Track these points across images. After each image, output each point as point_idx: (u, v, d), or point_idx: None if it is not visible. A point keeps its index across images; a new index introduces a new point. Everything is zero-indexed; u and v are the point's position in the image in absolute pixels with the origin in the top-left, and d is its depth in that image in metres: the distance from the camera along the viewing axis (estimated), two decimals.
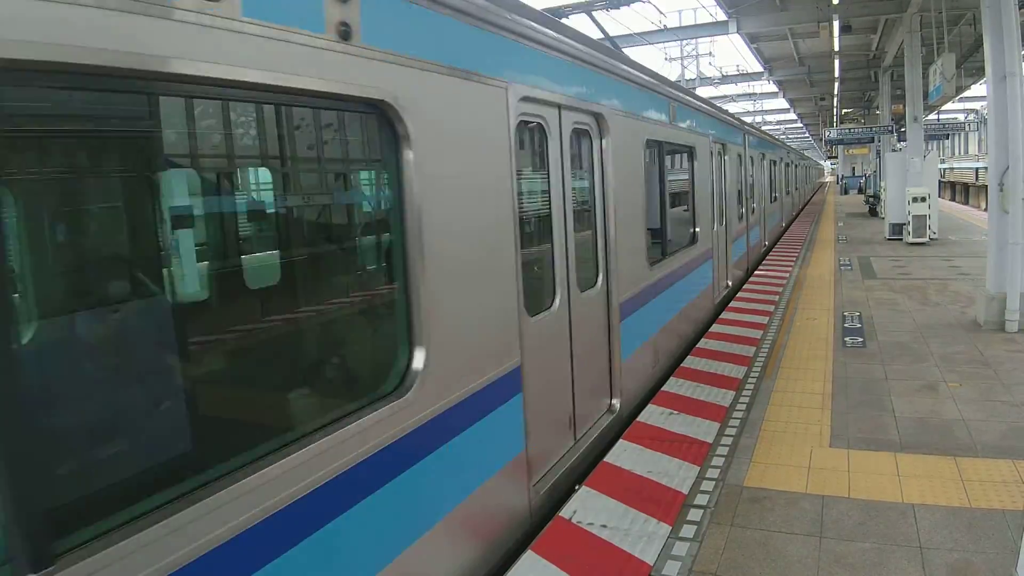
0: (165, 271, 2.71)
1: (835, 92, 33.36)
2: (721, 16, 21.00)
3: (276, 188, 3.36)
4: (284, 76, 2.27)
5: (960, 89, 19.37)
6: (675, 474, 4.47)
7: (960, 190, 39.04)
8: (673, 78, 25.88)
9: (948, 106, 35.82)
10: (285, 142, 3.07)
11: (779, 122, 58.29)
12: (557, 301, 4.41)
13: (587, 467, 4.70)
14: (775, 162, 19.57)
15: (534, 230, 4.44)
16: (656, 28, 23.09)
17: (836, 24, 18.70)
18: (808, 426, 5.25)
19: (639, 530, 3.78)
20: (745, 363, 6.97)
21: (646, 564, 3.47)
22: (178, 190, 2.73)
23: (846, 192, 47.14)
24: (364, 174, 3.80)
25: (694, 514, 3.97)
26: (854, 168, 54.17)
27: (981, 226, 17.84)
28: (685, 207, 8.45)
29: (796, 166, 29.77)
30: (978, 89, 27.48)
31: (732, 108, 33.08)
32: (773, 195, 18.96)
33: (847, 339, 7.83)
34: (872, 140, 29.07)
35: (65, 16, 1.66)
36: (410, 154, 2.84)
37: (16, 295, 2.03)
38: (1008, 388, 5.92)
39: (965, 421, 5.19)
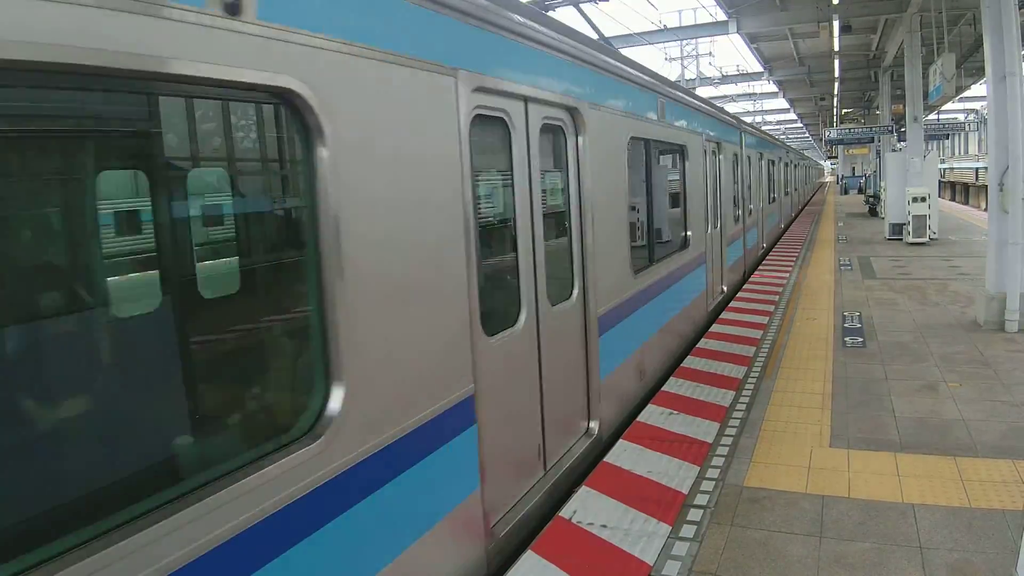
0: None
1: (835, 92, 33.36)
2: (721, 16, 21.00)
3: (157, 195, 2.60)
4: (150, 60, 1.84)
5: (960, 89, 19.38)
6: (675, 474, 4.47)
7: (960, 190, 39.04)
8: (673, 78, 25.89)
9: (948, 106, 35.83)
10: (153, 139, 2.42)
11: (779, 122, 58.29)
12: (523, 317, 3.95)
13: (561, 498, 4.30)
14: (773, 162, 19.21)
15: (496, 239, 4.05)
16: (656, 28, 23.12)
17: (836, 24, 18.69)
18: (808, 426, 5.25)
19: (639, 530, 3.78)
20: (745, 363, 6.97)
21: (646, 564, 3.47)
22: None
23: (846, 192, 47.14)
24: (266, 176, 3.19)
25: (694, 514, 3.97)
26: (854, 168, 54.17)
27: (981, 226, 17.84)
28: (676, 209, 8.04)
29: (795, 166, 29.52)
30: (978, 89, 27.48)
31: (732, 108, 33.06)
32: (772, 196, 18.54)
33: (847, 339, 7.83)
34: (872, 140, 29.07)
35: None
36: (325, 153, 2.37)
37: None
38: (1008, 388, 5.92)
39: (965, 421, 5.19)
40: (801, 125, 59.54)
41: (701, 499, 4.15)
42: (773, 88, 36.70)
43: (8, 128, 1.99)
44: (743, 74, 33.67)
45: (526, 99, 3.99)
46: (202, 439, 2.45)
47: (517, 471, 3.96)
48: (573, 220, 4.70)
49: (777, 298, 10.28)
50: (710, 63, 38.03)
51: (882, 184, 23.88)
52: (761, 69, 29.45)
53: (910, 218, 16.34)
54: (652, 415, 5.53)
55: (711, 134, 9.54)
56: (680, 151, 7.98)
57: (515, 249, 3.97)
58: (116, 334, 2.48)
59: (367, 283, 2.59)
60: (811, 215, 27.90)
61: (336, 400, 2.46)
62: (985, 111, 10.42)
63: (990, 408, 5.45)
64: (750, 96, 41.11)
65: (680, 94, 7.97)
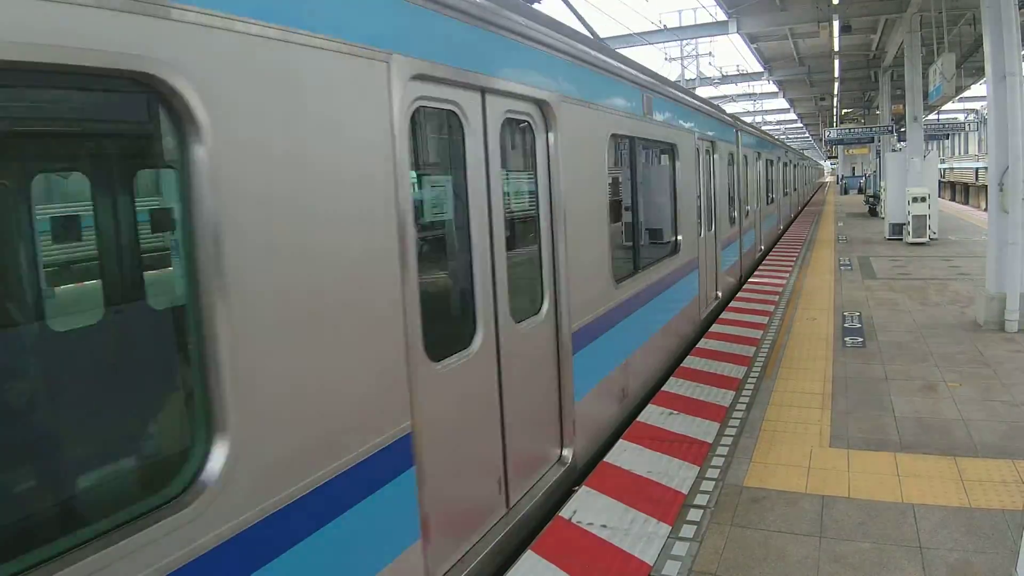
0: None
1: (835, 92, 33.38)
2: (721, 16, 21.03)
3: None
4: None
5: (960, 89, 19.39)
6: (675, 474, 4.47)
7: (960, 190, 39.04)
8: (673, 78, 25.89)
9: (948, 106, 35.83)
10: None
11: (779, 122, 58.31)
12: (479, 338, 3.48)
13: (528, 535, 3.89)
14: (772, 161, 18.81)
15: (446, 249, 3.62)
16: (656, 28, 23.13)
17: (836, 24, 18.70)
18: (808, 426, 5.25)
19: (639, 530, 3.78)
20: (745, 363, 6.97)
21: (646, 564, 3.47)
22: None
23: (846, 192, 47.16)
24: (128, 178, 2.74)
25: (694, 514, 3.97)
26: (854, 168, 54.19)
27: (981, 226, 17.84)
28: (665, 212, 7.53)
29: (795, 166, 29.26)
30: (978, 89, 27.49)
31: (732, 108, 33.05)
32: (770, 196, 18.06)
33: (847, 339, 7.83)
34: (872, 140, 29.10)
35: None
36: (202, 152, 1.96)
37: None
38: (1008, 388, 5.92)
39: (965, 421, 5.18)
40: (801, 125, 59.56)
41: (701, 499, 4.15)
42: (773, 88, 36.73)
43: None
44: (743, 74, 33.70)
45: (483, 90, 3.51)
46: (41, 506, 2.03)
47: (471, 513, 3.49)
48: (543, 226, 4.22)
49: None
50: (710, 63, 38.06)
51: (882, 184, 23.88)
52: (761, 69, 29.48)
53: (910, 218, 16.34)
54: (652, 415, 5.53)
55: (704, 133, 9.08)
56: (670, 150, 7.52)
57: (470, 260, 3.46)
58: None
59: (260, 307, 2.12)
60: (811, 215, 27.90)
61: (217, 454, 1.98)
62: (985, 111, 10.39)
63: (990, 408, 5.44)
64: (750, 96, 41.13)
65: (669, 89, 7.50)
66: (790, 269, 13.29)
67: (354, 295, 2.55)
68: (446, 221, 3.62)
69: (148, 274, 2.80)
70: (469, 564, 3.31)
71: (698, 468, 4.55)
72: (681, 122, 7.76)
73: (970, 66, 18.22)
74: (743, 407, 5.73)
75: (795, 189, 28.86)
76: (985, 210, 12.96)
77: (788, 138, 59.77)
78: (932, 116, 31.51)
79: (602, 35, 20.11)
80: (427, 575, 2.98)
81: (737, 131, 12.15)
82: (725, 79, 34.16)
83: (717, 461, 4.68)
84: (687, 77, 31.04)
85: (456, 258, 3.62)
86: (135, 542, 1.75)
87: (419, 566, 2.92)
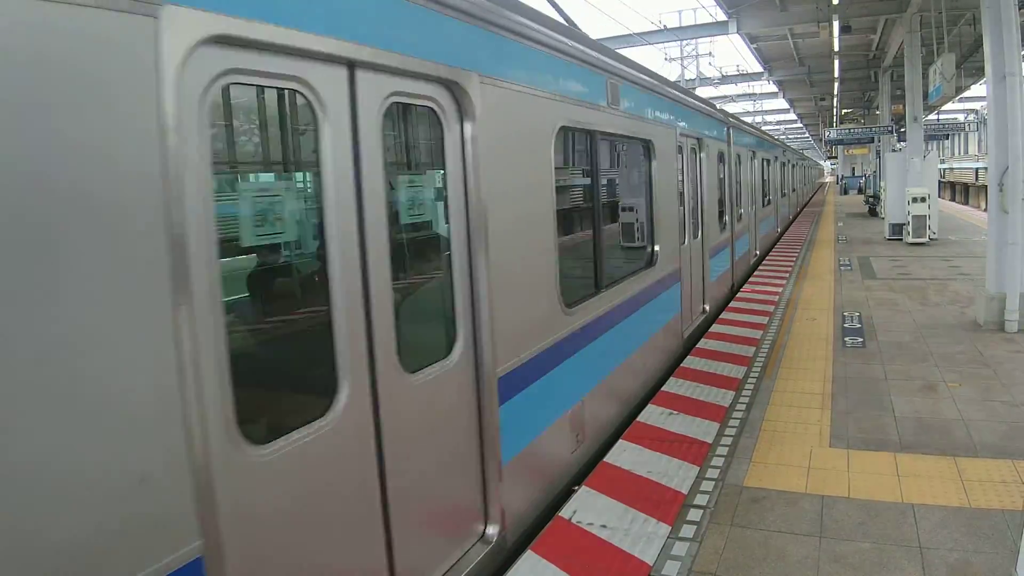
0: None
1: (835, 92, 33.37)
2: (721, 16, 21.04)
3: None
4: None
5: (960, 89, 19.37)
6: (675, 474, 4.47)
7: (960, 190, 39.07)
8: (673, 78, 25.89)
9: (948, 106, 35.85)
10: None
11: (779, 122, 58.33)
12: (342, 399, 2.59)
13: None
14: (768, 161, 17.90)
15: (280, 282, 2.89)
16: (656, 28, 23.14)
17: (836, 24, 18.70)
18: (808, 426, 5.25)
19: (639, 530, 3.78)
20: (745, 363, 6.97)
21: (646, 564, 3.47)
22: None
23: (846, 192, 47.20)
24: None
25: (694, 514, 3.97)
26: (854, 168, 54.24)
27: (981, 226, 17.85)
28: (638, 219, 6.73)
29: (794, 166, 28.82)
30: (978, 89, 27.47)
31: (732, 108, 33.06)
32: (766, 198, 17.14)
33: (847, 339, 7.83)
34: (872, 140, 29.08)
35: None
36: None
37: None
38: (1008, 388, 5.92)
39: (965, 421, 5.18)
40: (801, 125, 59.58)
41: (701, 499, 4.15)
42: (773, 88, 36.73)
43: None
44: (743, 74, 33.70)
45: (351, 64, 2.63)
46: None
47: None
48: (456, 243, 3.30)
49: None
50: (710, 63, 38.05)
51: (882, 184, 23.89)
52: (761, 69, 29.49)
53: (910, 218, 16.34)
54: (652, 415, 5.53)
55: (689, 128, 8.14)
56: (644, 148, 6.55)
57: (327, 293, 2.58)
58: None
59: None
60: (810, 216, 27.88)
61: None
62: (985, 111, 10.38)
63: (990, 408, 5.44)
64: (750, 96, 41.15)
65: (642, 77, 6.43)
66: (787, 276, 12.62)
67: (90, 363, 1.73)
68: (284, 242, 2.67)
69: None
70: None
71: (698, 468, 4.55)
72: (658, 115, 6.86)
73: (970, 66, 18.21)
74: (743, 407, 5.73)
75: (794, 190, 28.37)
76: (985, 210, 12.96)
77: (788, 138, 59.78)
78: (932, 116, 31.52)
79: (602, 35, 20.22)
80: None
81: (728, 128, 11.33)
82: (725, 79, 34.17)
83: (717, 461, 4.67)
84: (687, 77, 31.04)
85: (301, 294, 2.90)
86: None
87: None
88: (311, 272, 2.85)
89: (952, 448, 4.70)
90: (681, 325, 7.66)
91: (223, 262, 2.14)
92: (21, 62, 1.60)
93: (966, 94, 30.20)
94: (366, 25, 2.69)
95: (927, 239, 16.20)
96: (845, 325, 8.53)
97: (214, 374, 2.06)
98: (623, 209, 6.71)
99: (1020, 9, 8.69)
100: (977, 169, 45.57)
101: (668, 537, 3.72)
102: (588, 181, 5.24)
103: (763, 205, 16.39)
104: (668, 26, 23.61)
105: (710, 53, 35.32)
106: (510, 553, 3.74)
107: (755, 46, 25.17)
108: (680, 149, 7.69)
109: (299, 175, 2.94)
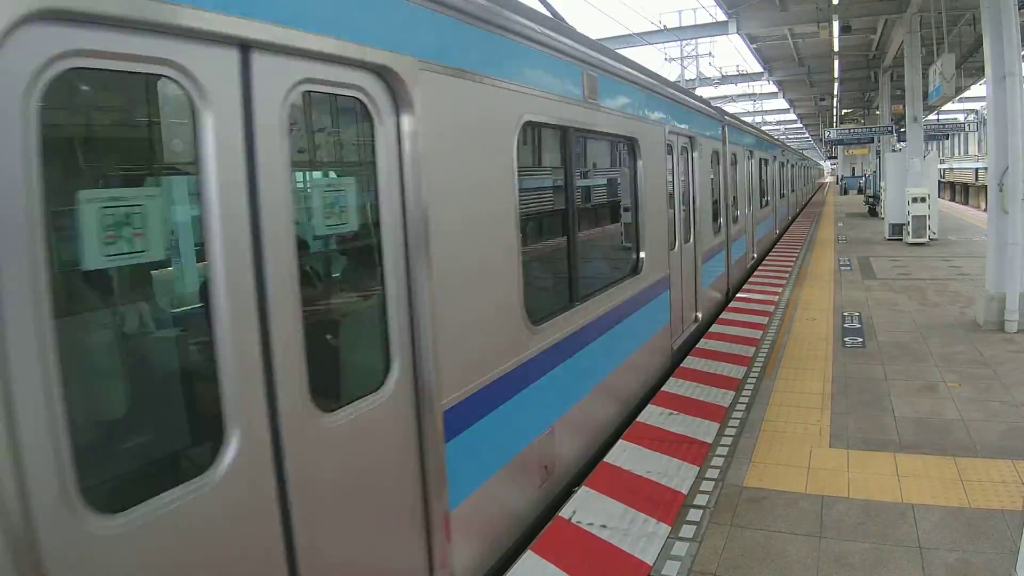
0: None
1: (835, 92, 33.39)
2: (721, 16, 21.04)
3: None
4: None
5: (960, 89, 19.39)
6: (675, 474, 4.47)
7: (960, 190, 39.09)
8: (673, 78, 25.90)
9: (948, 106, 35.85)
10: None
11: (779, 122, 58.34)
12: (230, 451, 2.12)
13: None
14: (767, 161, 17.39)
15: (143, 306, 2.35)
16: (656, 28, 23.15)
17: (836, 24, 18.72)
18: (808, 426, 5.25)
19: (639, 530, 3.78)
20: (745, 363, 6.97)
21: (646, 564, 3.47)
22: None
23: (845, 192, 47.27)
24: None
25: (694, 514, 3.97)
26: (854, 168, 54.27)
27: (981, 226, 17.83)
28: (621, 223, 6.30)
29: (793, 165, 28.55)
30: (978, 89, 27.49)
31: (732, 108, 33.08)
32: (764, 199, 16.59)
33: (847, 339, 7.83)
34: (872, 140, 29.11)
35: None
36: None
37: None
38: (1008, 388, 5.92)
39: (965, 421, 5.19)
40: (801, 125, 59.59)
41: (701, 499, 4.15)
42: (773, 88, 36.74)
43: None
44: (743, 74, 33.71)
45: (245, 45, 2.18)
46: None
47: None
48: (390, 253, 2.83)
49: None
50: (710, 63, 38.06)
51: (882, 184, 23.89)
52: (761, 69, 29.48)
53: (910, 218, 16.35)
54: (652, 415, 5.53)
55: (680, 126, 7.68)
56: (629, 146, 6.08)
57: (207, 323, 2.12)
58: None
59: None
60: (810, 217, 27.86)
61: None
62: (985, 111, 10.37)
63: (990, 408, 5.44)
64: (750, 96, 41.16)
65: (625, 69, 5.89)
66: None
67: None
68: (153, 261, 2.12)
69: None
70: None
71: (698, 468, 4.55)
72: (645, 111, 6.40)
73: (970, 66, 18.23)
74: (743, 407, 5.73)
75: (793, 191, 28.05)
76: (985, 210, 12.96)
77: (788, 138, 59.77)
78: (932, 116, 31.52)
79: (601, 35, 20.22)
80: None
81: (724, 126, 10.82)
82: (725, 79, 34.17)
83: (717, 461, 4.68)
84: (687, 77, 31.05)
85: (179, 324, 2.48)
86: None
87: None
88: (189, 296, 2.41)
89: (952, 448, 4.70)
90: (670, 336, 7.18)
91: (60, 288, 1.76)
92: None
93: (966, 94, 30.22)
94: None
95: (927, 239, 16.20)
96: (845, 325, 8.53)
97: (56, 440, 1.64)
98: (603, 212, 6.27)
99: (1020, 9, 8.69)
100: (977, 169, 45.58)
101: (668, 537, 3.72)
102: (562, 183, 4.71)
103: (761, 206, 15.97)
104: (668, 26, 23.62)
105: (710, 53, 35.34)
106: (510, 553, 3.71)
107: (755, 46, 25.17)
108: (670, 148, 7.28)
109: (173, 180, 2.36)
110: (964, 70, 17.48)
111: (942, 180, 37.14)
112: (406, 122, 2.86)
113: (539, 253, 4.71)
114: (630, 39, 22.39)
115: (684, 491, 4.23)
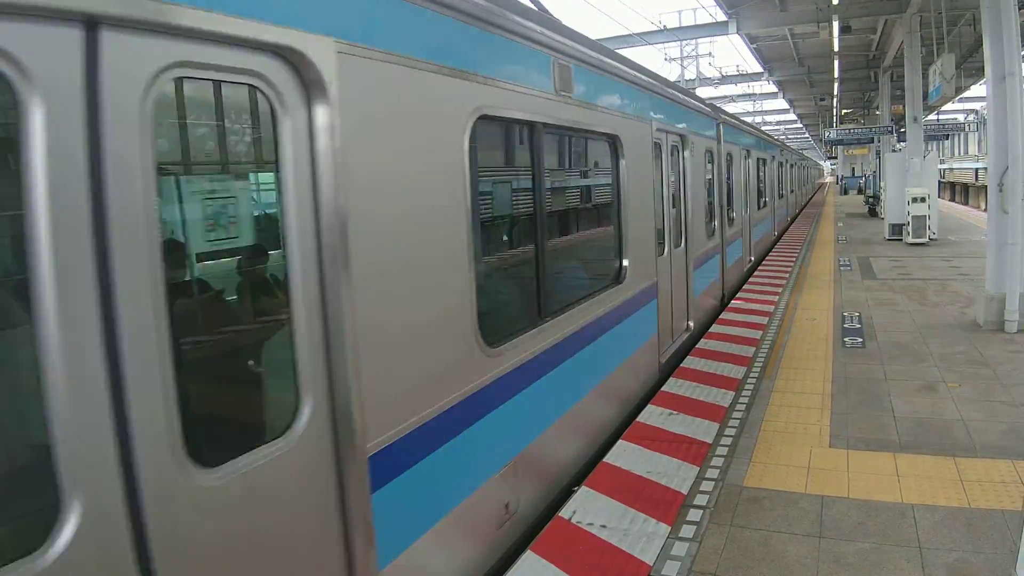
0: None
1: (835, 92, 33.40)
2: (721, 16, 21.06)
3: None
4: None
5: (960, 89, 19.41)
6: (674, 474, 4.47)
7: (960, 190, 39.14)
8: (673, 78, 25.89)
9: (948, 106, 35.88)
10: None
11: (779, 122, 58.37)
12: (68, 527, 1.67)
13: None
14: (765, 160, 16.92)
15: None
16: (656, 28, 23.15)
17: (836, 24, 18.73)
18: (807, 426, 5.25)
19: (638, 530, 3.78)
20: (745, 363, 6.97)
21: (645, 564, 3.47)
22: None
23: (845, 192, 47.33)
24: None
25: (693, 514, 3.97)
26: (854, 168, 54.32)
27: (981, 226, 17.84)
28: (601, 228, 5.85)
29: (792, 165, 28.28)
30: (978, 89, 27.51)
31: (732, 108, 33.11)
32: (762, 200, 16.10)
33: (846, 339, 7.83)
34: (872, 140, 29.14)
35: None
36: None
37: None
38: (1007, 388, 5.92)
39: (964, 421, 5.19)
40: (801, 125, 59.61)
41: (701, 499, 4.15)
42: (773, 88, 36.75)
43: None
44: (743, 74, 33.72)
45: (92, 20, 1.78)
46: None
47: None
48: (298, 270, 2.35)
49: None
50: (710, 63, 38.07)
51: (882, 184, 23.89)
52: (761, 69, 29.50)
53: (910, 218, 16.36)
54: (652, 415, 5.53)
55: (669, 123, 7.19)
56: (610, 144, 5.58)
57: (34, 365, 1.68)
58: None
59: None
60: (810, 217, 27.87)
61: None
62: (985, 111, 10.37)
63: (989, 408, 5.44)
64: (750, 96, 41.17)
65: (606, 60, 5.37)
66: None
67: None
68: None
69: None
70: None
71: (698, 468, 4.55)
72: (628, 107, 5.88)
73: (970, 66, 18.24)
74: (743, 407, 5.73)
75: (792, 191, 27.71)
76: (985, 210, 12.96)
77: (788, 138, 59.79)
78: (932, 116, 31.55)
79: (601, 35, 20.23)
80: None
81: (719, 124, 10.33)
82: (725, 79, 34.19)
83: (717, 461, 4.68)
84: (687, 77, 31.06)
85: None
86: None
87: None
88: (9, 322, 1.88)
89: (952, 448, 4.70)
90: (658, 348, 6.69)
91: None
92: None
93: (966, 94, 30.23)
94: None
95: (927, 239, 16.21)
96: (845, 325, 8.53)
97: None
98: (581, 217, 5.78)
99: (1020, 9, 8.69)
100: (977, 169, 45.60)
101: (668, 537, 3.72)
102: (530, 185, 4.26)
103: (759, 208, 15.44)
104: (668, 26, 23.62)
105: (710, 53, 35.35)
106: (510, 553, 3.68)
107: (755, 46, 25.18)
108: (658, 147, 6.79)
109: None
110: (964, 70, 17.49)
111: (942, 180, 37.22)
112: (321, 115, 2.39)
113: (500, 264, 4.29)
114: (630, 39, 22.39)
115: (684, 491, 4.23)
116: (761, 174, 16.23)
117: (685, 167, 7.92)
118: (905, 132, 19.30)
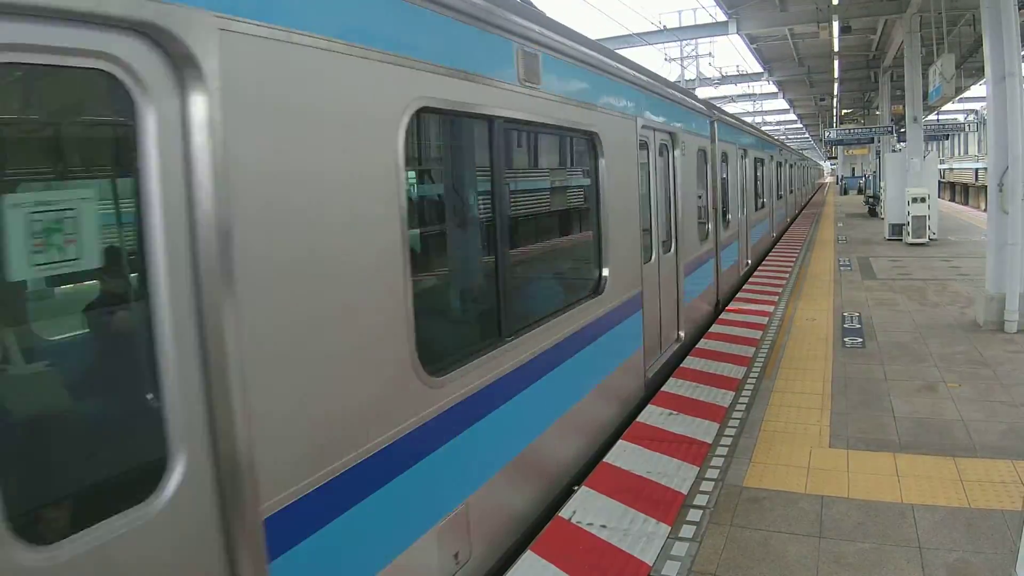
0: None
1: (835, 92, 33.42)
2: (721, 16, 21.07)
3: None
4: None
5: (960, 89, 19.41)
6: (674, 474, 4.47)
7: (960, 190, 39.15)
8: (673, 78, 25.88)
9: (948, 106, 35.87)
10: None
11: (779, 122, 58.39)
12: None
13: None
14: (763, 160, 16.45)
15: None
16: (656, 28, 23.16)
17: (836, 24, 18.74)
18: (807, 426, 5.25)
19: (638, 530, 3.78)
20: (744, 363, 6.97)
21: (645, 564, 3.47)
22: None
23: (845, 192, 47.34)
24: None
25: (693, 514, 3.97)
26: (854, 168, 54.33)
27: (981, 226, 17.83)
28: (576, 235, 5.49)
29: (792, 165, 27.86)
30: (978, 89, 27.51)
31: (732, 108, 33.09)
32: (760, 201, 15.62)
33: (846, 339, 7.83)
34: (872, 140, 29.14)
35: None
36: None
37: None
38: (1007, 388, 5.92)
39: (964, 421, 5.19)
40: (801, 125, 59.65)
41: (700, 499, 4.15)
42: (773, 88, 36.76)
43: None
44: (743, 74, 33.75)
45: None
46: None
47: None
48: (162, 296, 1.90)
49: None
50: (710, 64, 38.10)
51: (882, 185, 23.89)
52: (761, 69, 29.52)
53: (910, 218, 16.36)
54: (652, 415, 5.53)
55: (657, 120, 6.69)
56: (587, 142, 5.07)
57: None
58: None
59: None
60: (810, 217, 27.86)
61: None
62: (985, 111, 10.36)
63: (989, 408, 5.44)
64: (750, 96, 41.19)
65: (580, 49, 4.81)
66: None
67: None
68: None
69: None
70: None
71: (698, 468, 4.55)
72: (608, 101, 5.35)
73: (970, 66, 18.24)
74: (743, 407, 5.73)
75: (792, 192, 27.29)
76: (985, 210, 12.96)
77: (788, 138, 59.77)
78: (932, 116, 31.55)
79: (601, 35, 20.23)
80: None
81: (713, 122, 9.82)
82: (725, 79, 34.20)
83: (717, 461, 4.67)
84: (687, 78, 31.07)
85: None
86: None
87: None
88: None
89: (952, 448, 4.70)
90: (643, 363, 6.17)
91: None
92: None
93: (966, 94, 30.26)
94: None
95: (927, 239, 16.21)
96: (845, 325, 8.53)
97: None
98: (553, 222, 5.40)
99: (1020, 9, 8.69)
100: (977, 169, 45.61)
101: (668, 537, 3.72)
102: (488, 188, 3.79)
103: (756, 209, 14.83)
104: (668, 26, 23.64)
105: (710, 54, 35.40)
106: (510, 552, 3.64)
107: (755, 46, 25.20)
108: (644, 145, 6.31)
109: None
110: (964, 70, 17.49)
111: (942, 180, 37.20)
112: (197, 105, 1.96)
113: (448, 279, 3.88)
114: (630, 39, 22.40)
115: (684, 491, 4.23)
116: (759, 174, 15.88)
117: (675, 167, 7.46)
118: (905, 132, 19.31)
